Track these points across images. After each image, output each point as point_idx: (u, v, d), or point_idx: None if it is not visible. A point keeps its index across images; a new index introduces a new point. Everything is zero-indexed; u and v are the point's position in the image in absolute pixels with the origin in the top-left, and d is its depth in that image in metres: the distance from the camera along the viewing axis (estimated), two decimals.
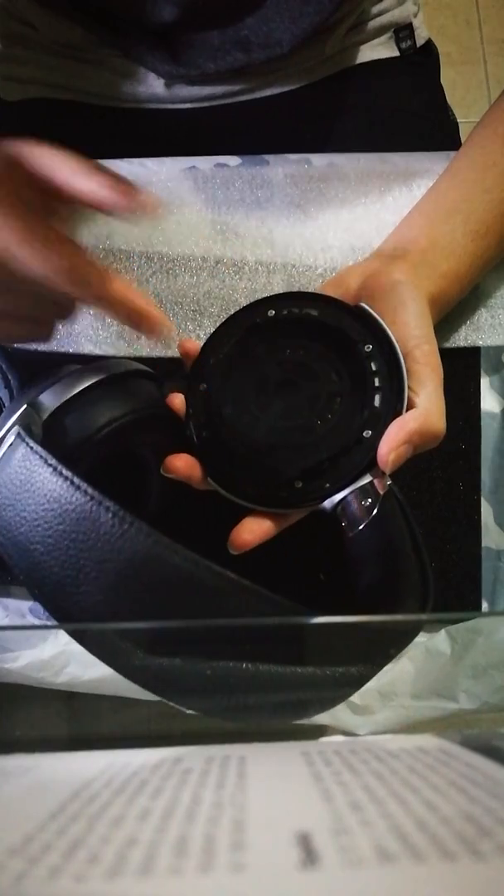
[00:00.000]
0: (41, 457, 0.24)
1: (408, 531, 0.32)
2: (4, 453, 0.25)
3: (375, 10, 0.50)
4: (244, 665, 0.22)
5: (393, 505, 0.33)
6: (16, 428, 0.25)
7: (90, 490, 0.23)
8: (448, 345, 0.39)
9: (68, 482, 0.23)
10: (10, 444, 0.25)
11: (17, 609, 0.37)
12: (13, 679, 0.35)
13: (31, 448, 0.24)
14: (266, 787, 0.14)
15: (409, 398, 0.29)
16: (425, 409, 0.29)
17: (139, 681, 0.23)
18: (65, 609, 0.23)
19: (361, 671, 0.24)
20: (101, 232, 0.42)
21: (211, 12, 0.43)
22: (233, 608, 0.22)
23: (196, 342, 0.33)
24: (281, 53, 0.44)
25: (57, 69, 0.51)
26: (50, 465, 0.23)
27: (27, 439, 0.24)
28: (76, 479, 0.23)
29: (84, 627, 0.24)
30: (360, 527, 0.28)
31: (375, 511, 0.28)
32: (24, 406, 0.27)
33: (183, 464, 0.30)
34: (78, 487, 0.23)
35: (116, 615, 0.23)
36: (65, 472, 0.23)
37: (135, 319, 0.27)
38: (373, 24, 0.51)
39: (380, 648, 0.26)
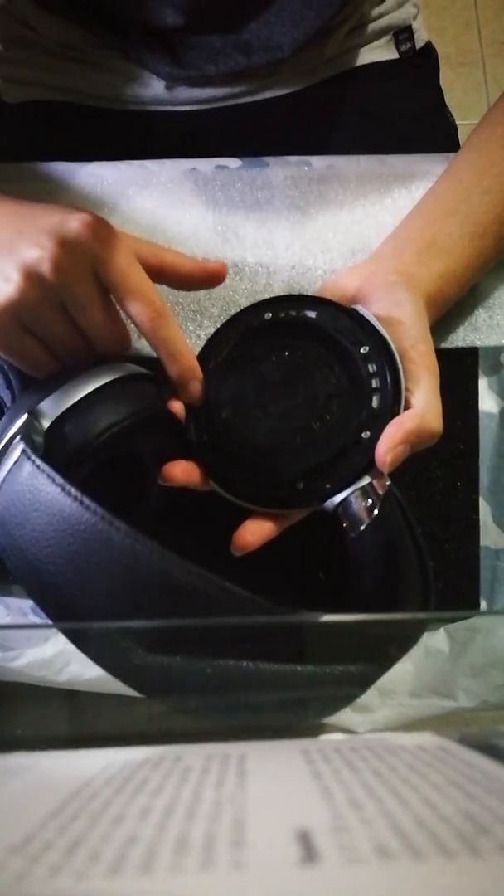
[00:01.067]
0: (48, 475, 0.24)
1: (408, 532, 0.32)
2: (10, 470, 0.25)
3: (375, 12, 0.51)
4: (244, 663, 0.22)
5: (393, 506, 0.33)
6: (20, 444, 0.25)
7: (99, 510, 0.23)
8: (446, 345, 0.39)
9: (77, 501, 0.23)
10: (16, 461, 0.25)
11: (19, 608, 0.37)
12: (14, 678, 0.35)
13: (38, 466, 0.24)
14: (266, 785, 0.14)
15: (405, 398, 0.29)
16: (422, 408, 0.29)
17: (138, 684, 0.23)
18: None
19: (362, 670, 0.24)
20: None
21: (214, 17, 0.43)
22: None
23: (192, 348, 0.33)
24: (281, 57, 0.44)
25: (58, 71, 0.51)
26: (57, 484, 0.23)
27: (32, 456, 0.24)
28: (85, 500, 0.23)
29: (84, 626, 0.24)
30: (362, 528, 0.28)
31: (377, 512, 0.28)
32: (25, 415, 0.27)
33: (180, 471, 0.30)
34: (87, 507, 0.23)
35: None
36: (73, 491, 0.23)
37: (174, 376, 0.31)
38: (372, 26, 0.51)
39: (379, 647, 0.26)
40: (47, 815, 0.12)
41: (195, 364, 0.31)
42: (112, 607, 0.23)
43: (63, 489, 0.23)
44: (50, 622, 0.36)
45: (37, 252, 0.27)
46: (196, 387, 0.31)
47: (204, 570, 0.22)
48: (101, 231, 0.28)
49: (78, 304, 0.28)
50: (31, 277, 0.27)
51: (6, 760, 0.16)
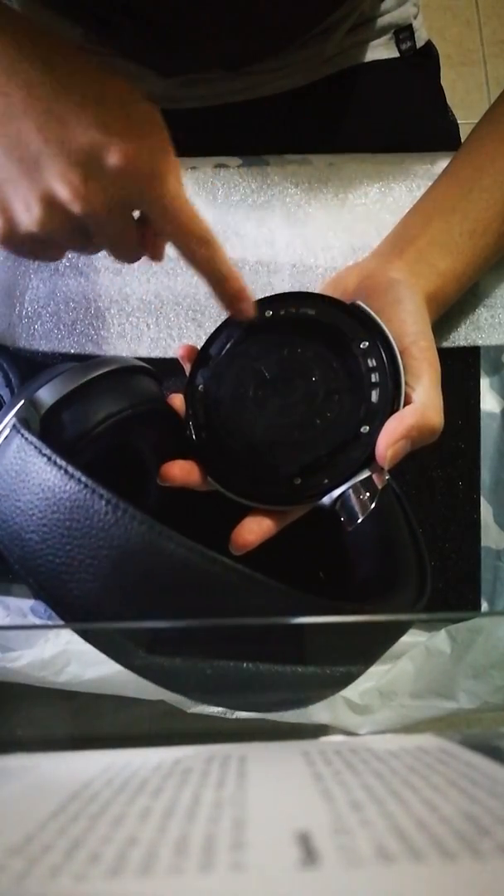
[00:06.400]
0: (35, 447, 0.24)
1: (405, 522, 0.32)
2: (0, 446, 0.25)
3: (375, 11, 0.50)
4: (244, 665, 0.22)
5: (390, 498, 0.33)
6: (12, 420, 0.25)
7: (83, 478, 0.23)
8: (448, 344, 0.39)
9: (62, 471, 0.23)
10: (6, 437, 0.25)
11: (18, 608, 0.37)
12: (14, 678, 0.35)
13: (26, 439, 0.24)
14: (266, 787, 0.14)
15: (406, 393, 0.29)
16: (422, 404, 0.29)
17: (143, 674, 0.23)
18: (60, 597, 0.23)
19: (361, 670, 0.24)
20: None
21: None
22: (225, 592, 0.22)
23: (194, 346, 0.33)
24: (278, 46, 0.44)
25: None
26: (44, 454, 0.23)
27: (22, 430, 0.24)
28: (70, 468, 0.23)
29: (85, 627, 0.24)
30: (359, 521, 0.28)
31: (373, 505, 0.28)
32: (22, 401, 0.27)
33: (179, 471, 0.30)
34: (71, 476, 0.23)
35: (112, 602, 0.23)
36: (59, 461, 0.23)
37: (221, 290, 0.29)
38: (373, 25, 0.51)
39: (377, 644, 0.26)
40: (47, 816, 0.12)
41: (244, 285, 0.29)
42: (95, 577, 0.23)
43: (49, 459, 0.23)
44: (49, 623, 0.36)
45: (64, 189, 0.24)
46: (249, 306, 0.29)
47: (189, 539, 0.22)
48: (146, 163, 0.24)
49: (108, 240, 0.26)
50: (55, 212, 0.24)
51: (6, 761, 0.16)
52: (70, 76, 0.24)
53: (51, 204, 0.24)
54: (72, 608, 0.23)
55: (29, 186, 0.24)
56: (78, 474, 0.23)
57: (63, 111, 0.24)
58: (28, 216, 0.25)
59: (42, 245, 0.26)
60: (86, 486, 0.23)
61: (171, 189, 0.25)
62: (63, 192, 0.24)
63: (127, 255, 0.27)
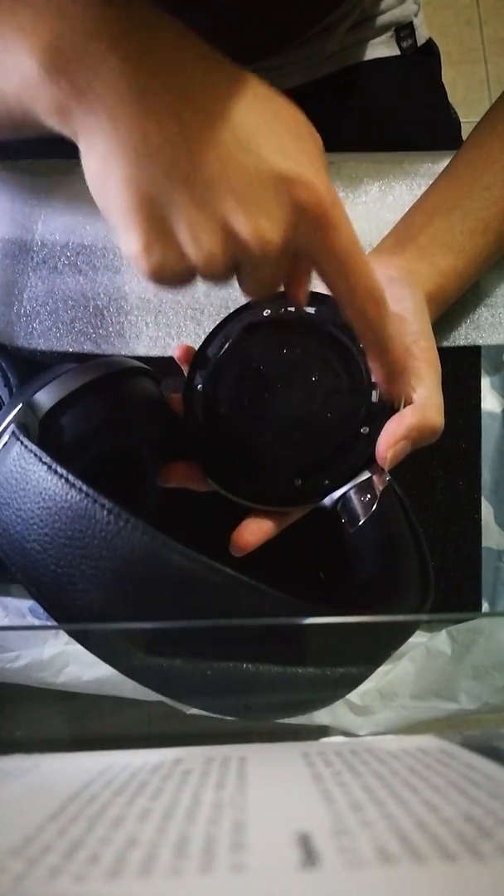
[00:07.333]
0: (36, 455, 0.24)
1: (407, 524, 0.32)
2: None
3: (376, 9, 0.50)
4: (245, 665, 0.22)
5: (392, 499, 0.33)
6: (11, 426, 0.25)
7: (85, 487, 0.23)
8: (448, 343, 0.39)
9: (63, 480, 0.23)
10: (5, 444, 0.25)
11: (17, 609, 0.37)
12: (13, 679, 0.35)
13: (26, 447, 0.24)
14: (266, 788, 0.14)
15: (406, 393, 0.29)
16: (423, 404, 0.29)
17: (140, 680, 0.23)
18: (62, 607, 0.23)
19: (362, 672, 0.24)
20: (101, 228, 0.42)
21: None
22: (230, 604, 0.22)
23: (191, 346, 0.33)
24: (278, 45, 0.44)
25: None
26: (44, 463, 0.23)
27: (21, 437, 0.24)
28: (71, 477, 0.23)
29: (84, 628, 0.24)
30: (360, 522, 0.28)
31: (375, 506, 0.28)
32: (20, 405, 0.27)
33: (179, 472, 0.30)
34: (73, 485, 0.23)
35: (114, 612, 0.23)
36: (59, 469, 0.23)
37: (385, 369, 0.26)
38: (374, 22, 0.51)
39: (380, 648, 0.25)
40: (46, 818, 0.12)
41: (403, 362, 0.27)
42: (97, 587, 0.23)
43: (49, 468, 0.23)
44: (49, 624, 0.36)
45: (247, 225, 0.20)
46: (401, 390, 0.27)
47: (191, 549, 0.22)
48: (328, 206, 0.21)
49: (256, 280, 0.22)
50: (228, 249, 0.20)
51: (5, 762, 0.16)
52: (244, 93, 0.21)
53: (226, 240, 0.20)
54: (74, 618, 0.23)
55: (199, 216, 0.20)
56: (79, 483, 0.23)
57: (248, 131, 0.20)
58: (196, 250, 0.20)
59: (188, 281, 0.22)
60: (87, 495, 0.22)
61: (347, 238, 0.22)
62: (245, 228, 0.20)
63: (265, 294, 0.24)
